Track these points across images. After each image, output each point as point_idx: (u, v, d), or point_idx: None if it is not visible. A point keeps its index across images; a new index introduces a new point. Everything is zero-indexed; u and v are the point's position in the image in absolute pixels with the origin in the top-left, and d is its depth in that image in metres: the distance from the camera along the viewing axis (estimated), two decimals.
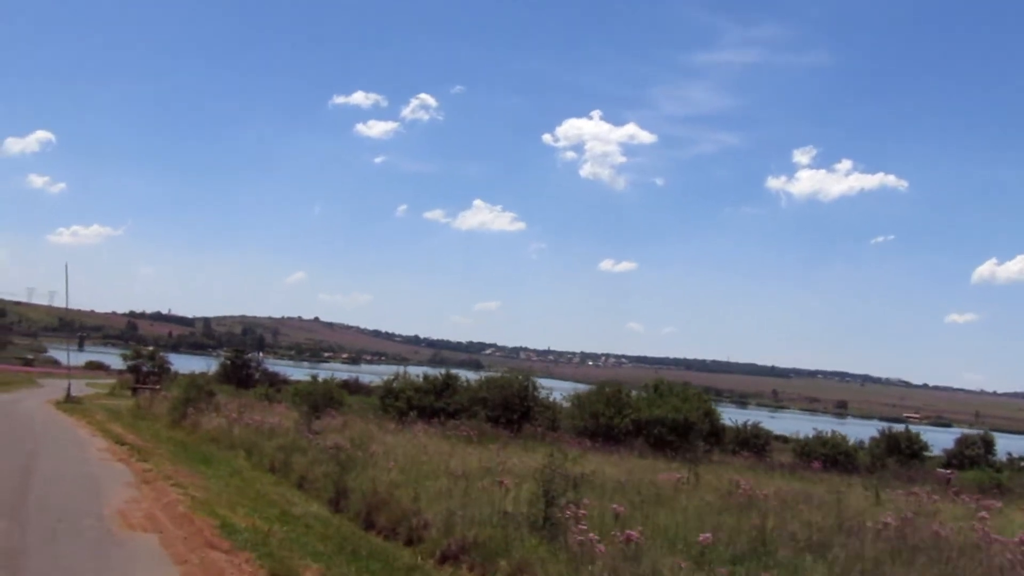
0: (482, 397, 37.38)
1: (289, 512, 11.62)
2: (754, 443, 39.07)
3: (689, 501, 12.89)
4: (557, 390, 43.61)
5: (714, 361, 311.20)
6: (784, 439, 47.01)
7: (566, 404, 39.44)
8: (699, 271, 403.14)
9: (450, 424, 30.35)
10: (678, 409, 33.54)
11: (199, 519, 10.23)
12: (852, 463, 35.96)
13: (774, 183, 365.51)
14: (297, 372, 79.52)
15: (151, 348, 64.91)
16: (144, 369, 55.96)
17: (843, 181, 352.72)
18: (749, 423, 41.56)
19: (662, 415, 33.34)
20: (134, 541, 8.99)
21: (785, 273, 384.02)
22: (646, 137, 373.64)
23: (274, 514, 11.31)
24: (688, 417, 33.30)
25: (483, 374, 47.63)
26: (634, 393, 37.43)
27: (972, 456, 43.91)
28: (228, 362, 68.03)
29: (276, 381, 67.37)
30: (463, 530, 9.25)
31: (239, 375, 65.61)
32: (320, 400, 23.79)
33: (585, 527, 8.41)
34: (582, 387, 45.45)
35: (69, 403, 32.58)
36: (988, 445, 45.53)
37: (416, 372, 45.14)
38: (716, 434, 36.36)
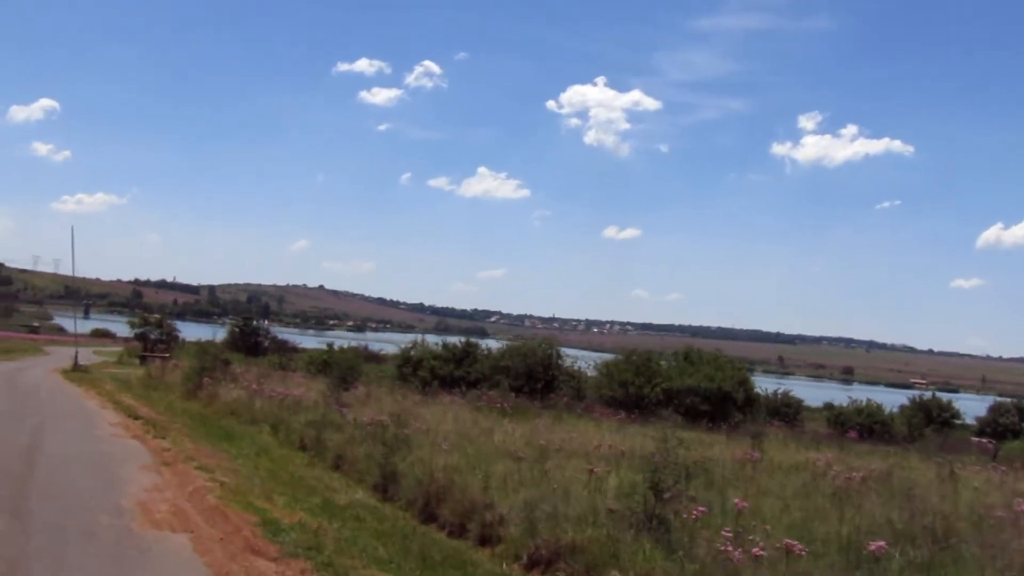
0: (504, 366, 35.96)
1: (333, 501, 10.09)
2: (785, 412, 37.59)
3: (781, 484, 11.38)
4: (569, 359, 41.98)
5: (719, 328, 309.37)
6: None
7: (591, 373, 38.27)
8: (704, 238, 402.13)
9: (471, 394, 28.91)
10: (711, 378, 32.11)
11: (234, 513, 8.71)
12: (889, 433, 34.55)
13: (779, 149, 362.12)
14: (305, 340, 77.99)
15: (158, 315, 63.36)
16: (152, 337, 54.53)
17: (848, 146, 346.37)
18: (780, 391, 40.11)
19: (695, 384, 31.92)
20: (161, 545, 7.45)
21: (790, 239, 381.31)
22: (650, 103, 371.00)
23: (316, 504, 9.78)
24: (722, 387, 31.86)
25: (503, 343, 46.10)
26: (663, 363, 35.99)
27: (1007, 424, 42.49)
28: (237, 329, 66.62)
29: (286, 349, 65.95)
30: (552, 529, 7.70)
31: (248, 343, 64.29)
32: (347, 370, 22.19)
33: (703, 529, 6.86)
34: (590, 355, 44.09)
35: (76, 372, 31.11)
36: (1022, 413, 44.11)
37: (434, 341, 43.63)
38: (750, 403, 34.89)
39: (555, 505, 8.20)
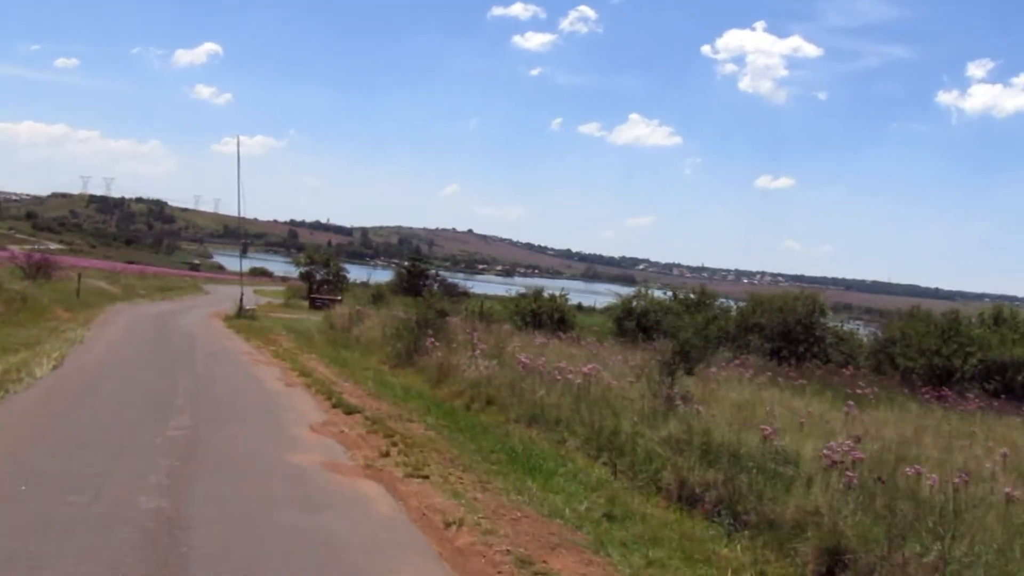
0: (755, 323, 27.89)
1: None
2: None
3: None
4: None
5: (874, 282, 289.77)
6: None
7: (865, 336, 30.08)
8: (861, 188, 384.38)
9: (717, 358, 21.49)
10: None
11: None
12: None
13: (945, 98, 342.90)
14: (474, 285, 71.18)
15: (326, 253, 57.66)
16: (318, 276, 48.60)
17: (1021, 96, 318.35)
18: None
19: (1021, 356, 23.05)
20: None
21: (953, 192, 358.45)
22: (811, 50, 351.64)
23: None
24: None
25: (733, 303, 37.09)
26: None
27: None
28: (403, 271, 60.51)
29: (455, 293, 59.43)
30: None
31: (415, 286, 58.09)
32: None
33: None
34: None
35: (242, 318, 24.45)
36: None
37: (659, 292, 35.36)
38: None
39: None
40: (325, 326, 23.41)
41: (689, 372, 11.87)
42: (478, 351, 14.43)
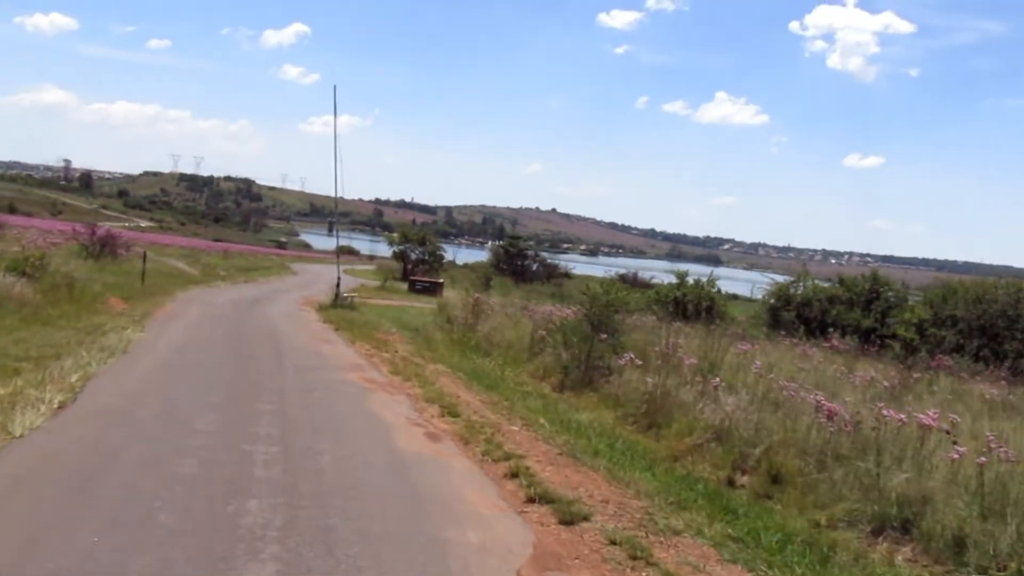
0: (949, 315, 22.98)
1: None
2: None
3: None
4: None
5: (966, 262, 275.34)
6: None
7: None
8: (953, 167, 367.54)
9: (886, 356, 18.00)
10: None
11: None
12: None
13: None
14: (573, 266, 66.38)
15: (421, 231, 53.41)
16: (413, 256, 44.28)
17: None
18: None
19: None
20: None
21: None
22: (903, 26, 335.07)
23: None
24: None
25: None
26: None
27: None
28: (502, 250, 55.91)
29: (556, 274, 54.58)
30: None
31: (514, 266, 53.45)
32: None
33: None
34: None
35: (339, 307, 19.80)
36: None
37: (818, 279, 30.06)
38: None
39: None
40: (440, 320, 18.61)
41: None
42: (695, 375, 9.33)
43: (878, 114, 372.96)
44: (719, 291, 31.18)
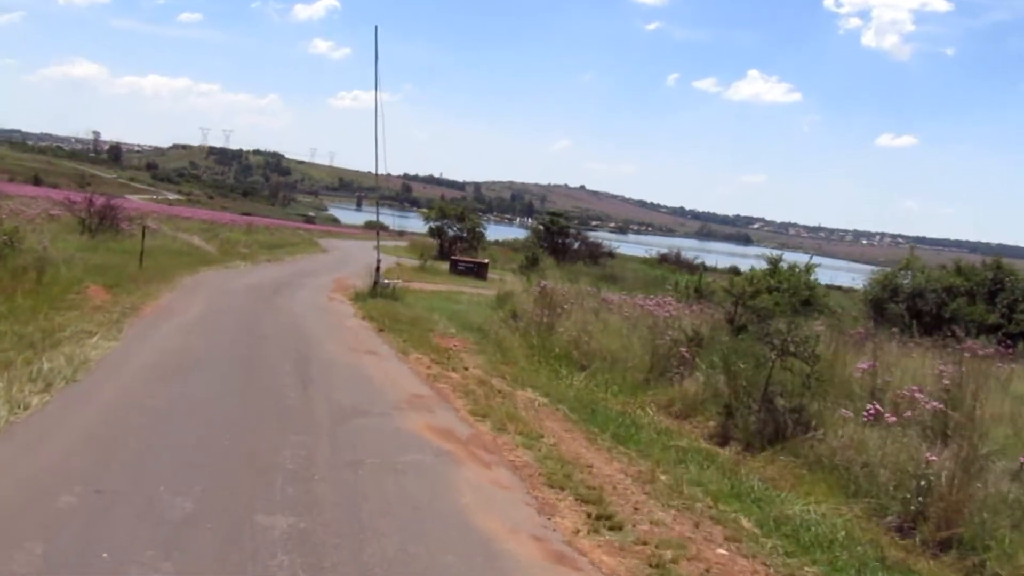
0: None
1: None
2: None
3: None
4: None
5: (1000, 244, 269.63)
6: None
7: None
8: (988, 148, 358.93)
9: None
10: None
11: None
12: None
13: None
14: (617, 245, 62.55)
15: (460, 206, 49.78)
16: (451, 233, 40.60)
17: None
18: None
19: None
20: None
21: None
22: (940, 4, 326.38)
23: None
24: None
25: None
26: None
27: None
28: (542, 227, 52.03)
29: (599, 254, 50.69)
30: None
31: (555, 244, 49.57)
32: None
33: None
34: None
35: (380, 297, 16.14)
36: None
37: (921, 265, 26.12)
38: None
39: None
40: (504, 314, 14.93)
41: None
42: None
43: (912, 94, 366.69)
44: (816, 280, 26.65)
